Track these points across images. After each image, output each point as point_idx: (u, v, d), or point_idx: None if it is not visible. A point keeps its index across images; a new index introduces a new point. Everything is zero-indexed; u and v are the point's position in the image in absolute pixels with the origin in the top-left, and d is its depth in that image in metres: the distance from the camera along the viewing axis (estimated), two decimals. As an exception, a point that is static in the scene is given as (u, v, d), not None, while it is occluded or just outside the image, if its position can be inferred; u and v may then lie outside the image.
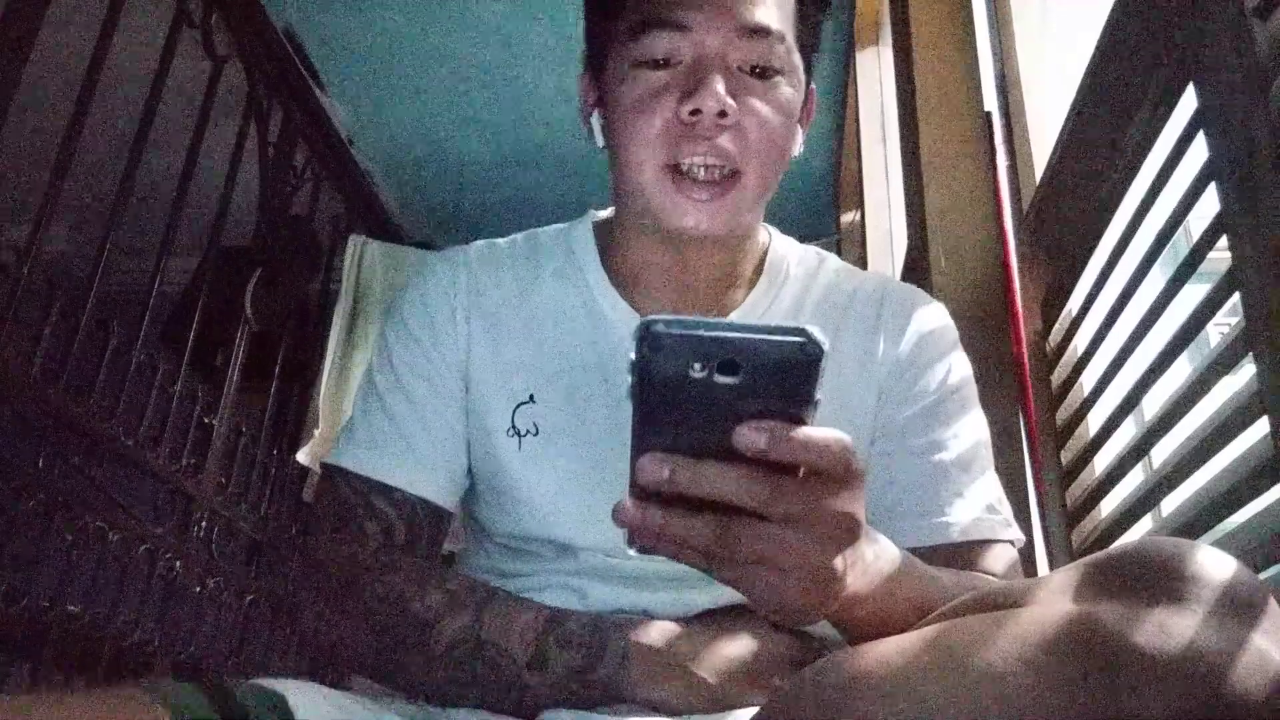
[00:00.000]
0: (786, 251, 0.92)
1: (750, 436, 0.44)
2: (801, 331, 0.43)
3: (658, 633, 0.71)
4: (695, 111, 0.75)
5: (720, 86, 0.74)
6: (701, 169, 0.76)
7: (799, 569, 0.48)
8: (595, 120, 0.85)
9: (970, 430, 0.85)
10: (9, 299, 1.82)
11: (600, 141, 0.85)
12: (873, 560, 0.57)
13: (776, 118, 0.78)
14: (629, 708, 0.68)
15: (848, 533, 0.49)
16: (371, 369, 0.88)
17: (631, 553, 0.48)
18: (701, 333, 0.43)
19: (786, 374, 0.44)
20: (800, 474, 0.46)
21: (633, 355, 0.44)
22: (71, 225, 3.32)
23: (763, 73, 0.78)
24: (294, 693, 0.64)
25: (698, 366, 0.43)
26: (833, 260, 0.94)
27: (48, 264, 1.96)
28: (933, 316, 0.90)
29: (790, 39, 0.80)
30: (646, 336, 0.43)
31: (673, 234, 0.80)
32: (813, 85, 0.87)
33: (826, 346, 0.43)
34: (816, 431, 0.45)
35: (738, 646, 0.71)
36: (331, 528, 0.81)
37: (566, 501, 0.80)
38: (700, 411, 0.45)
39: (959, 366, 0.88)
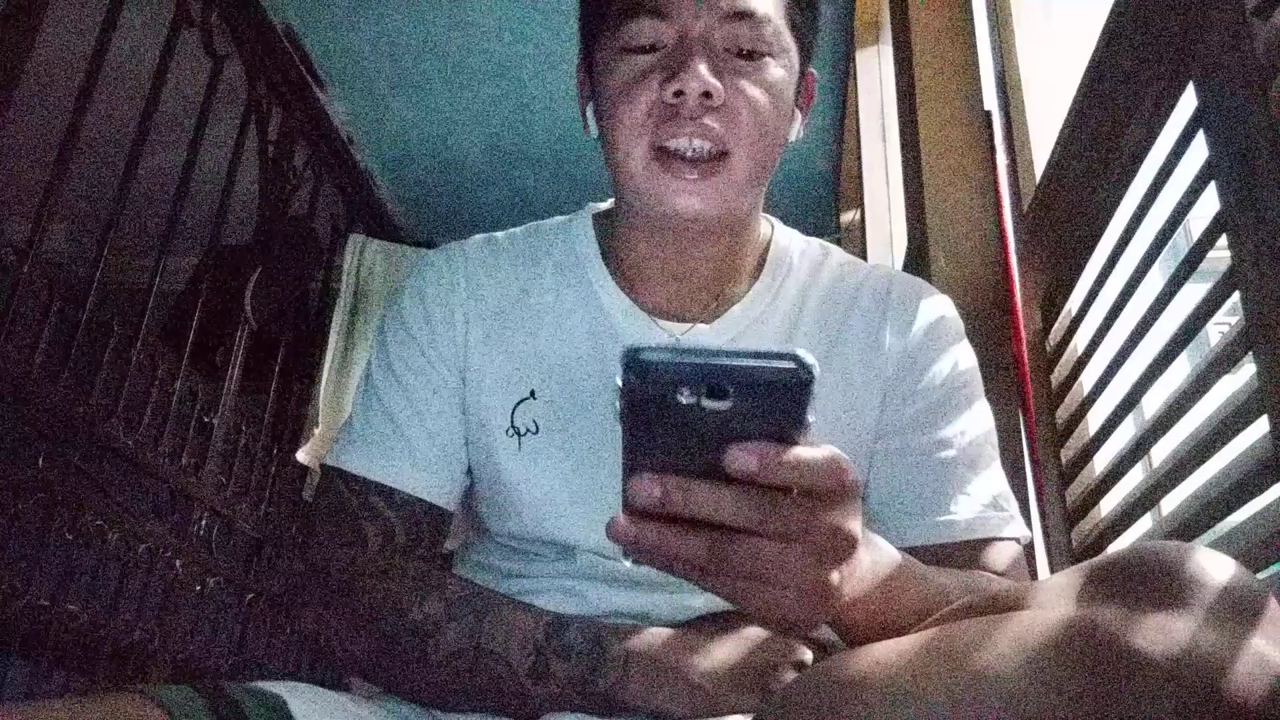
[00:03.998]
0: (789, 244, 0.91)
1: (741, 459, 0.44)
2: (791, 356, 0.42)
3: (657, 640, 0.71)
4: (679, 93, 0.74)
5: (703, 67, 0.74)
6: (689, 150, 0.75)
7: (794, 584, 0.48)
8: (589, 111, 0.85)
9: (975, 424, 0.85)
10: (9, 298, 1.82)
11: (594, 132, 0.84)
12: (870, 566, 0.56)
13: (765, 99, 0.77)
14: (631, 715, 0.68)
15: (843, 548, 0.49)
16: (370, 368, 0.88)
17: (627, 564, 0.48)
18: (688, 360, 0.42)
19: (777, 398, 0.43)
20: (794, 492, 0.46)
21: (619, 382, 0.43)
22: (71, 225, 3.33)
23: (750, 54, 0.77)
24: (293, 696, 0.64)
25: (686, 393, 0.43)
26: (837, 253, 0.93)
27: (48, 263, 1.96)
28: (938, 308, 0.89)
29: (779, 21, 0.79)
30: (633, 365, 0.43)
31: (665, 219, 0.79)
32: (812, 69, 0.86)
33: (817, 371, 0.42)
34: (807, 451, 0.45)
35: (737, 652, 0.70)
36: (331, 529, 0.81)
37: (565, 502, 0.80)
38: (690, 435, 0.44)
39: (965, 359, 0.87)
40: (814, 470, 0.45)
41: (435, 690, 0.73)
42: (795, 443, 0.45)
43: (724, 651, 0.70)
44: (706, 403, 0.43)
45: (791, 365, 0.42)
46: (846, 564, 0.50)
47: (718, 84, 0.74)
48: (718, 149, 0.76)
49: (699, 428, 0.44)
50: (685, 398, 0.43)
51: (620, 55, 0.78)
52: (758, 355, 0.43)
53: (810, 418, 0.44)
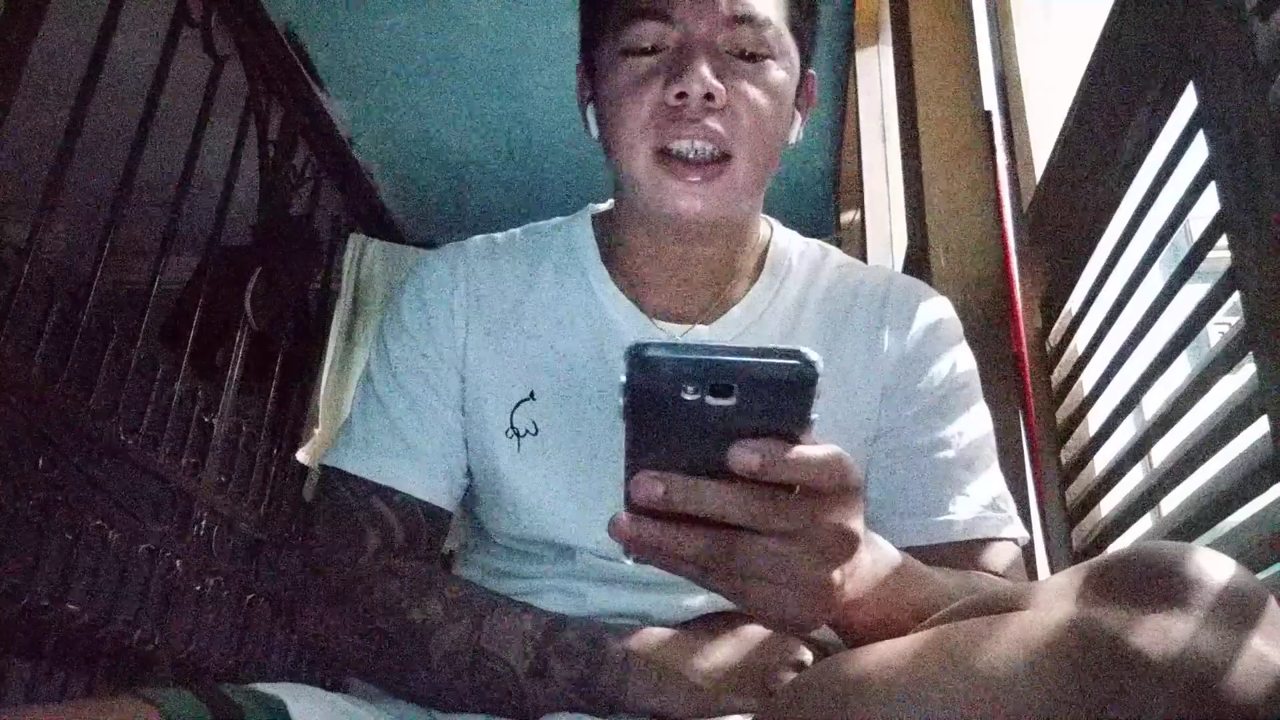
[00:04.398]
0: (789, 245, 0.91)
1: (744, 457, 0.44)
2: (796, 354, 0.43)
3: (657, 641, 0.71)
4: (681, 95, 0.74)
5: (706, 69, 0.74)
6: (691, 151, 0.75)
7: (796, 583, 0.48)
8: (590, 112, 0.85)
9: (974, 426, 0.85)
10: (9, 299, 1.82)
11: (595, 133, 0.84)
12: (871, 566, 0.56)
13: (767, 100, 0.77)
14: (630, 716, 0.68)
15: (846, 547, 0.49)
16: (369, 368, 0.88)
17: (628, 562, 0.48)
18: (693, 356, 0.43)
19: (781, 396, 0.43)
20: (796, 490, 0.46)
21: (624, 378, 0.43)
22: (71, 225, 3.32)
23: (751, 57, 0.77)
24: (292, 698, 0.63)
25: (690, 389, 0.43)
26: (836, 255, 0.94)
27: (48, 263, 1.96)
28: (937, 310, 0.89)
29: (780, 23, 0.79)
30: (637, 360, 0.43)
31: (667, 220, 0.79)
32: (812, 71, 0.86)
33: (821, 368, 0.43)
34: (811, 450, 0.45)
35: (737, 652, 0.70)
36: (330, 530, 0.81)
37: (564, 504, 0.80)
38: (694, 431, 0.44)
39: (963, 360, 0.88)
40: (817, 468, 0.45)
41: (435, 691, 0.73)
42: (798, 440, 0.45)
43: (723, 652, 0.70)
44: (710, 400, 0.43)
45: (796, 363, 0.43)
46: (848, 563, 0.50)
47: (720, 86, 0.74)
48: (720, 151, 0.76)
49: (702, 425, 0.44)
50: (689, 394, 0.43)
51: (622, 57, 0.78)
52: (762, 352, 0.43)
53: (814, 416, 0.44)
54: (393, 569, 0.77)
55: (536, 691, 0.69)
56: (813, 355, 0.43)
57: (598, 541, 0.79)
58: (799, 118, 0.85)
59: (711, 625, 0.74)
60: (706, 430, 0.44)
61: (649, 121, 0.76)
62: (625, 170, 0.79)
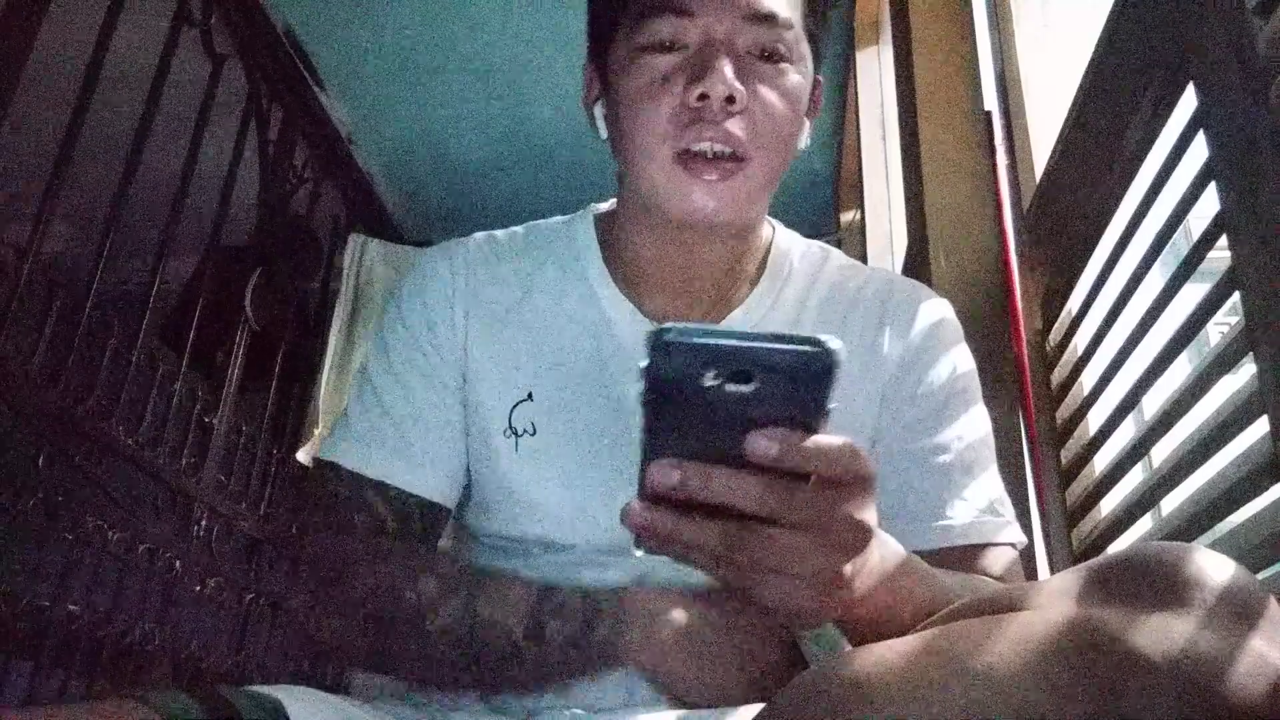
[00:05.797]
0: (790, 247, 0.91)
1: (762, 445, 0.44)
2: (816, 341, 0.42)
3: (651, 596, 0.71)
4: (703, 96, 0.74)
5: (728, 71, 0.74)
6: (710, 152, 0.75)
7: (808, 575, 0.48)
8: (598, 110, 0.84)
9: (973, 429, 0.84)
10: (9, 299, 1.82)
11: (603, 133, 0.84)
12: (879, 562, 0.56)
13: (785, 105, 0.77)
14: (631, 711, 0.68)
15: (859, 540, 0.49)
16: (368, 363, 0.87)
17: (638, 553, 0.48)
18: (714, 342, 0.43)
19: (800, 384, 0.43)
20: (812, 481, 0.46)
21: (643, 363, 0.43)
22: (71, 225, 3.32)
23: (771, 57, 0.77)
24: (290, 699, 0.63)
25: (710, 375, 0.43)
26: (837, 256, 0.93)
27: (48, 264, 1.96)
28: (937, 312, 0.89)
29: (798, 26, 0.79)
30: (658, 345, 0.43)
31: (679, 220, 0.78)
32: (819, 76, 0.86)
33: (841, 357, 0.43)
34: (828, 440, 0.45)
35: (731, 608, 0.70)
36: (323, 522, 0.81)
37: (563, 503, 0.79)
38: (711, 419, 0.44)
39: (963, 363, 0.87)
40: (834, 458, 0.45)
41: (432, 666, 0.73)
42: (815, 430, 0.45)
43: (717, 608, 0.70)
44: (730, 386, 0.43)
45: (817, 350, 0.43)
46: (859, 556, 0.50)
47: (741, 88, 0.74)
48: (738, 154, 0.76)
49: (720, 412, 0.44)
50: (709, 380, 0.43)
51: (640, 54, 0.77)
52: (782, 339, 0.43)
53: (831, 405, 0.44)
54: (384, 552, 0.77)
55: (533, 653, 0.69)
56: (834, 343, 0.43)
57: (596, 537, 0.78)
58: (807, 123, 0.85)
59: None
60: (724, 418, 0.44)
61: (669, 124, 0.75)
62: (640, 171, 0.78)
